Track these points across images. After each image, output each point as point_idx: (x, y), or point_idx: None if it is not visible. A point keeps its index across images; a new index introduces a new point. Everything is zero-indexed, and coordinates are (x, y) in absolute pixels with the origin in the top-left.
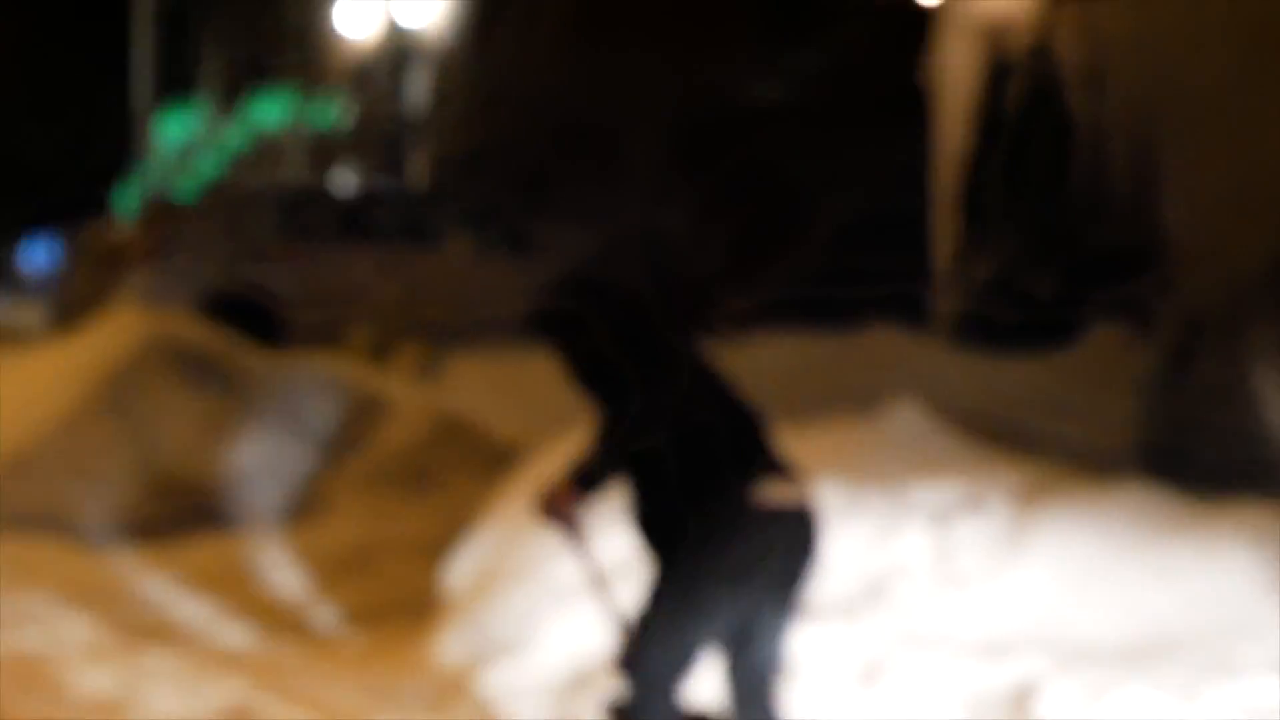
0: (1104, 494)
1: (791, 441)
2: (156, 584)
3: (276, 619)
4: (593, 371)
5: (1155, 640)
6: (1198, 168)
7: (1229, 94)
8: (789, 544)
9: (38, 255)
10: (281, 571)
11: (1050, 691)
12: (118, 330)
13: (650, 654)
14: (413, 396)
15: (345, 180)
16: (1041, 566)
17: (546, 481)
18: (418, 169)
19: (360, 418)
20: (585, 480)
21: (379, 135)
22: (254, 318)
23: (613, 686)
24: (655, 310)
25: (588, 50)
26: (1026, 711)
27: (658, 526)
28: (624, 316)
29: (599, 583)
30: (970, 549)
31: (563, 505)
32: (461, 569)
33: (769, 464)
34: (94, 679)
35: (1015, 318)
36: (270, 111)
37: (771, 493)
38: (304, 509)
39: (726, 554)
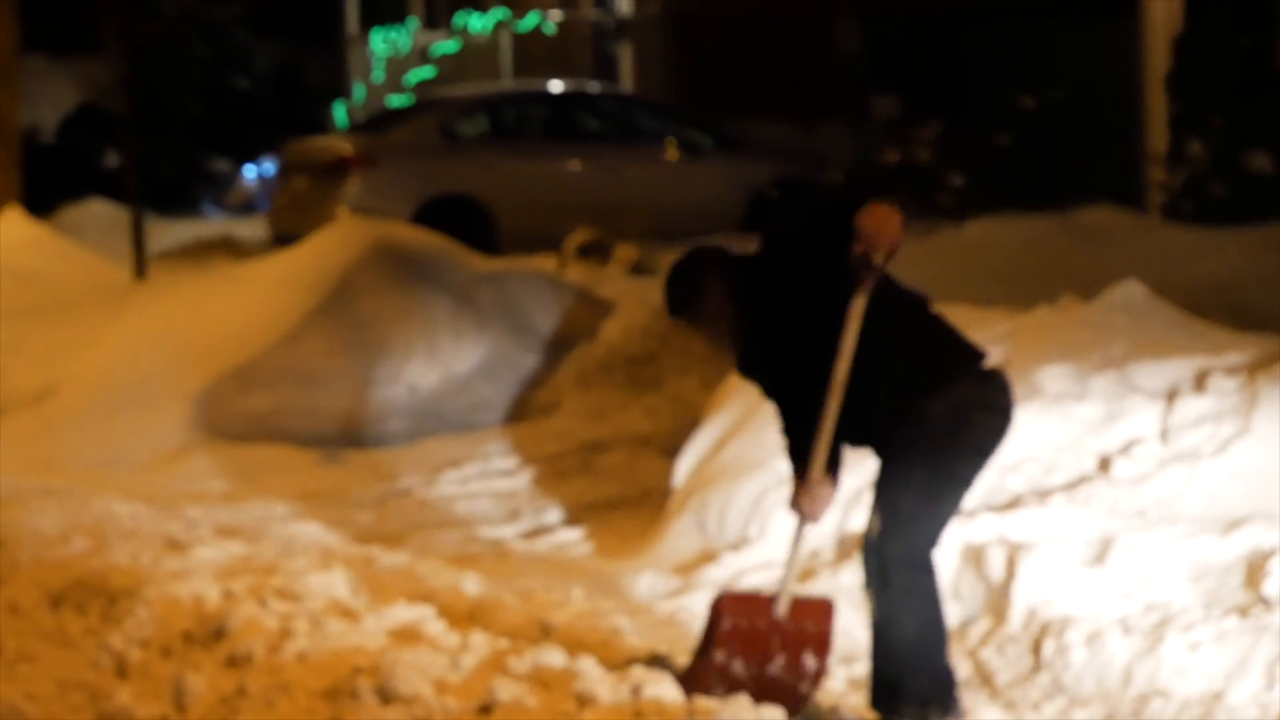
0: None
1: (1018, 323)
2: (385, 488)
3: (506, 519)
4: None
5: None
6: None
7: None
8: (1007, 407)
9: (262, 172)
10: (509, 471)
11: None
12: (338, 239)
13: (915, 535)
14: (631, 295)
15: (555, 85)
16: (1270, 440)
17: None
18: (627, 73)
19: (581, 317)
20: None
21: (587, 40)
22: (471, 221)
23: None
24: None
25: None
26: (1258, 585)
27: (879, 419)
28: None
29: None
30: (1197, 426)
31: (825, 498)
32: (688, 464)
33: (966, 340)
34: (326, 584)
35: (1230, 192)
36: (478, 22)
37: (986, 364)
38: (529, 409)
39: (966, 433)
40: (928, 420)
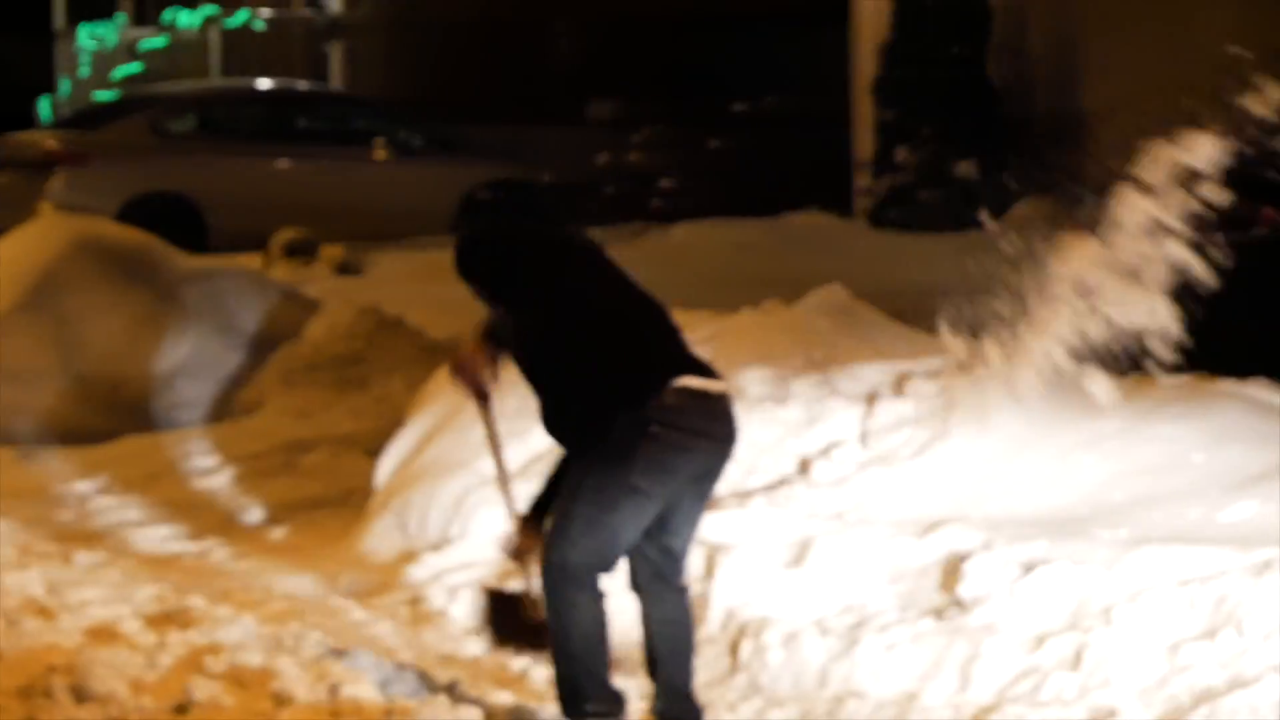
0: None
1: (721, 325)
2: (85, 487)
3: (207, 518)
4: (495, 258)
5: (1083, 512)
6: (1117, 54)
7: None
8: (706, 430)
9: None
10: (210, 470)
11: (977, 565)
12: (41, 234)
13: (575, 544)
14: (338, 294)
15: (264, 84)
16: (968, 443)
17: (456, 347)
18: (337, 72)
19: (286, 316)
20: (491, 339)
21: (298, 39)
22: (177, 220)
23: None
24: (552, 208)
25: None
26: (953, 587)
27: (570, 424)
28: (526, 213)
29: (498, 452)
30: (897, 429)
31: (471, 366)
32: (391, 464)
33: (680, 355)
34: (22, 582)
35: (938, 199)
36: (186, 18)
37: (687, 381)
38: (232, 408)
39: (645, 445)
40: (613, 431)
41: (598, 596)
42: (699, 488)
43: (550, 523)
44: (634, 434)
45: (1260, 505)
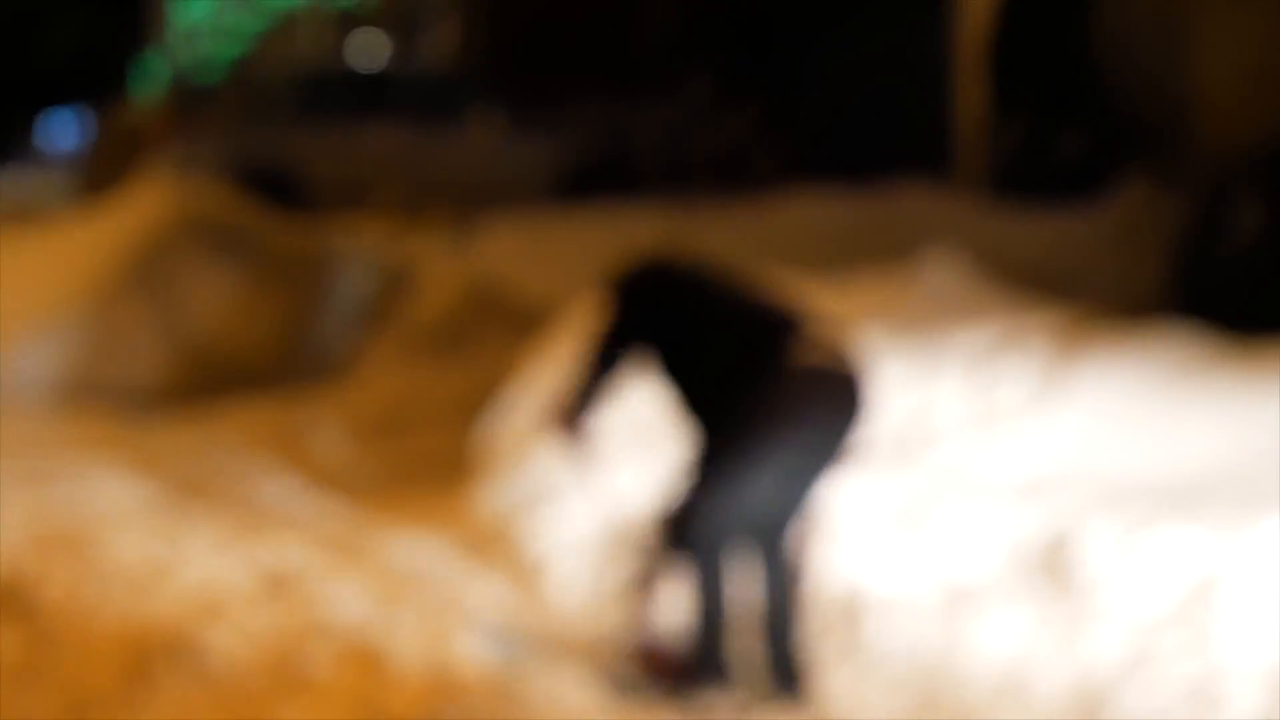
0: (1141, 335)
1: (832, 296)
2: (197, 449)
3: (315, 477)
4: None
5: (1195, 479)
6: (1224, 32)
7: None
8: (828, 403)
9: (57, 132)
10: (322, 434)
11: (1088, 531)
12: (146, 204)
13: (703, 518)
14: (443, 263)
15: (367, 58)
16: (1080, 406)
17: (552, 400)
18: (440, 48)
19: (393, 285)
20: (584, 398)
21: (402, 14)
22: (282, 191)
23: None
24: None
25: None
26: (1064, 551)
27: (700, 408)
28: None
29: (593, 488)
30: (1008, 390)
31: (568, 423)
32: (496, 427)
33: (797, 337)
34: (137, 543)
35: (1044, 174)
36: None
37: (805, 357)
38: (341, 374)
39: (769, 419)
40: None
41: (719, 565)
42: (819, 456)
43: (685, 501)
44: (757, 410)
45: None
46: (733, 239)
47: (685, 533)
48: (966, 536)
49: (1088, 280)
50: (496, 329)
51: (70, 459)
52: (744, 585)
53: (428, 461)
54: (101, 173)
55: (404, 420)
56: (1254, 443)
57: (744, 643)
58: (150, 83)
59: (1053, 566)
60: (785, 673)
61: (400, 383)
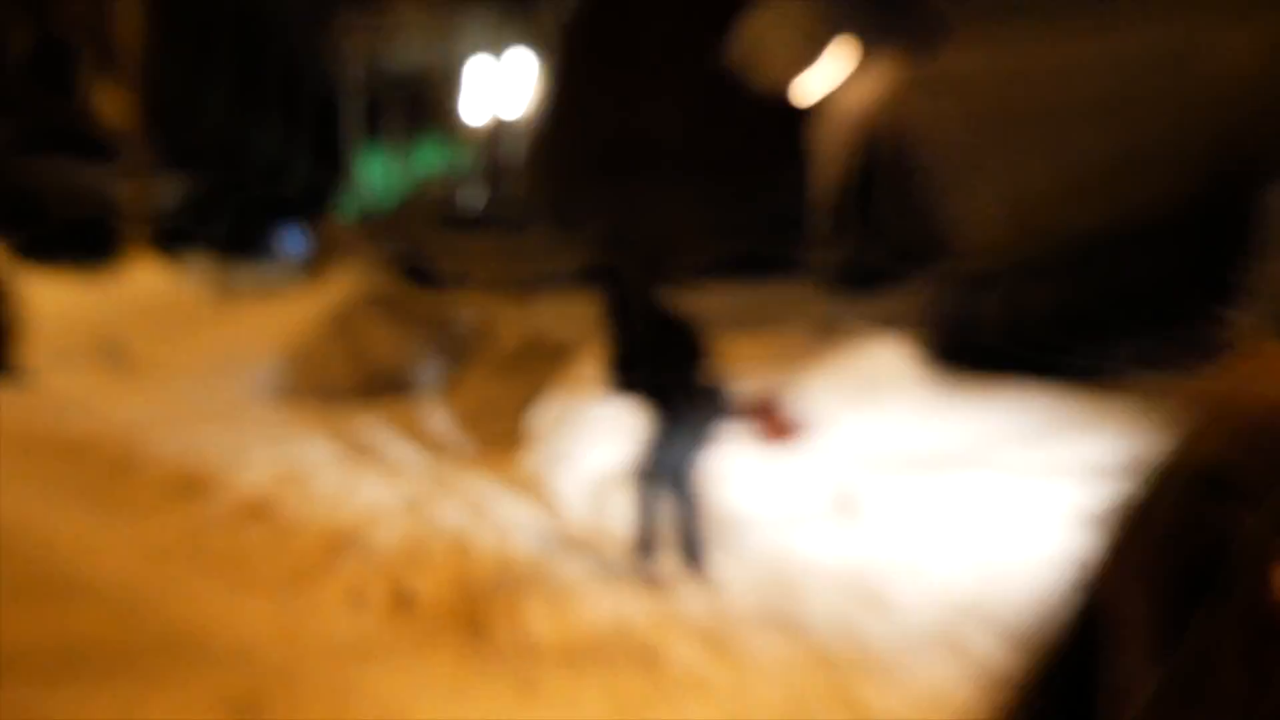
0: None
1: (741, 343)
2: (366, 426)
3: (436, 445)
4: (617, 306)
5: (939, 449)
6: (967, 197)
7: (986, 152)
8: (716, 403)
9: (290, 239)
10: (438, 418)
11: (868, 481)
12: (343, 285)
13: (659, 460)
14: (511, 319)
15: (473, 198)
16: (882, 410)
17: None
18: (514, 189)
19: (482, 332)
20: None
21: (490, 171)
22: (423, 276)
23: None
24: (646, 274)
25: (612, 96)
26: (853, 492)
27: (656, 399)
28: (631, 278)
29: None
30: (834, 397)
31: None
32: (538, 417)
33: (706, 364)
34: (329, 478)
35: (862, 274)
36: (428, 155)
37: (708, 378)
38: (451, 384)
39: (695, 409)
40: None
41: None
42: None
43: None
44: (688, 403)
45: (1077, 447)
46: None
47: (639, 477)
48: (800, 480)
49: (888, 335)
50: (540, 359)
51: (294, 430)
52: (669, 507)
53: (497, 438)
54: (317, 264)
55: (485, 413)
56: (971, 429)
57: (669, 537)
58: (347, 209)
59: (847, 501)
60: (691, 555)
61: (483, 390)
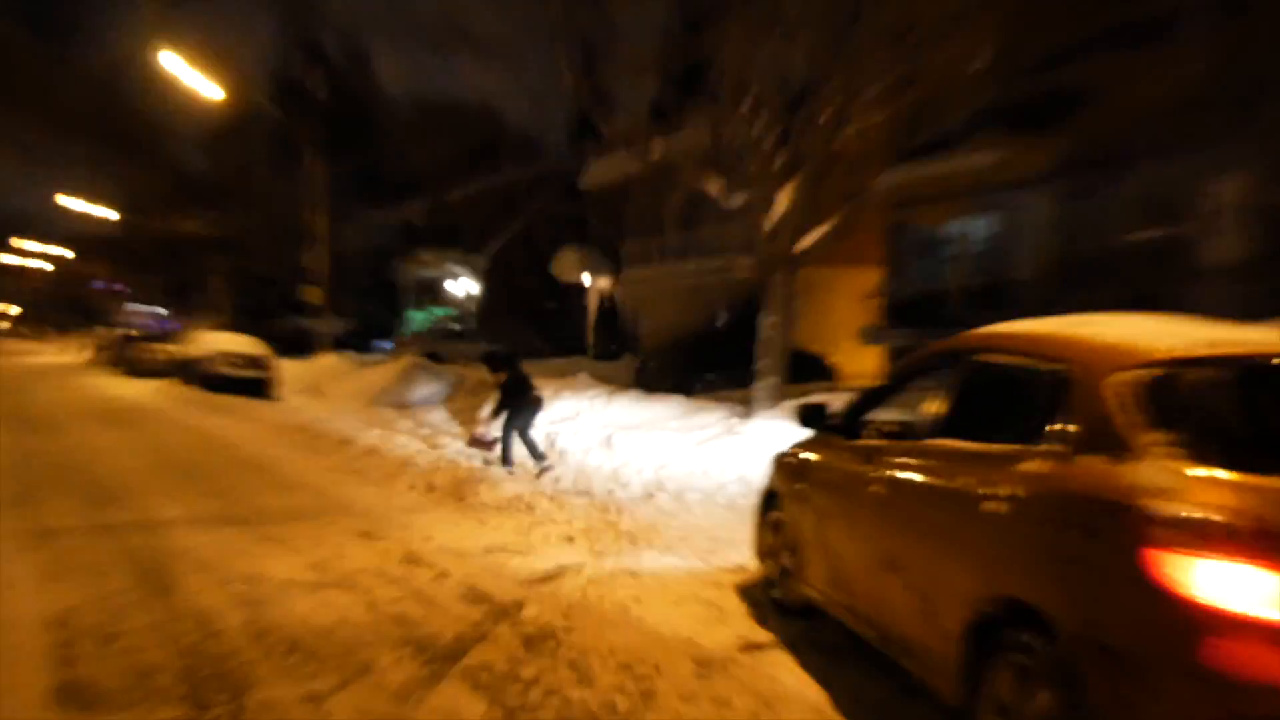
0: (629, 393)
1: (554, 381)
2: (416, 419)
3: (443, 426)
4: (509, 372)
5: (640, 423)
6: (649, 322)
7: (647, 307)
8: (537, 402)
9: (383, 344)
10: (443, 415)
11: (618, 433)
12: (402, 360)
13: (519, 425)
14: (472, 374)
15: (455, 324)
16: (616, 407)
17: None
18: (471, 323)
19: (461, 378)
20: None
21: (462, 316)
22: (441, 359)
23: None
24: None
25: (507, 285)
26: (612, 437)
27: (510, 406)
28: (508, 359)
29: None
30: (598, 402)
31: (478, 438)
32: (483, 414)
33: (532, 388)
34: (400, 439)
35: (610, 353)
36: (436, 310)
37: (532, 390)
38: (448, 401)
39: (528, 406)
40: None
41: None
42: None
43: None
44: (524, 404)
45: (696, 420)
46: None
47: (511, 431)
48: (591, 433)
49: (620, 379)
50: (484, 391)
51: (387, 419)
52: (524, 445)
53: (468, 422)
54: (394, 353)
55: (463, 413)
56: (655, 412)
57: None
58: (404, 332)
59: (608, 441)
60: (538, 457)
61: (462, 403)
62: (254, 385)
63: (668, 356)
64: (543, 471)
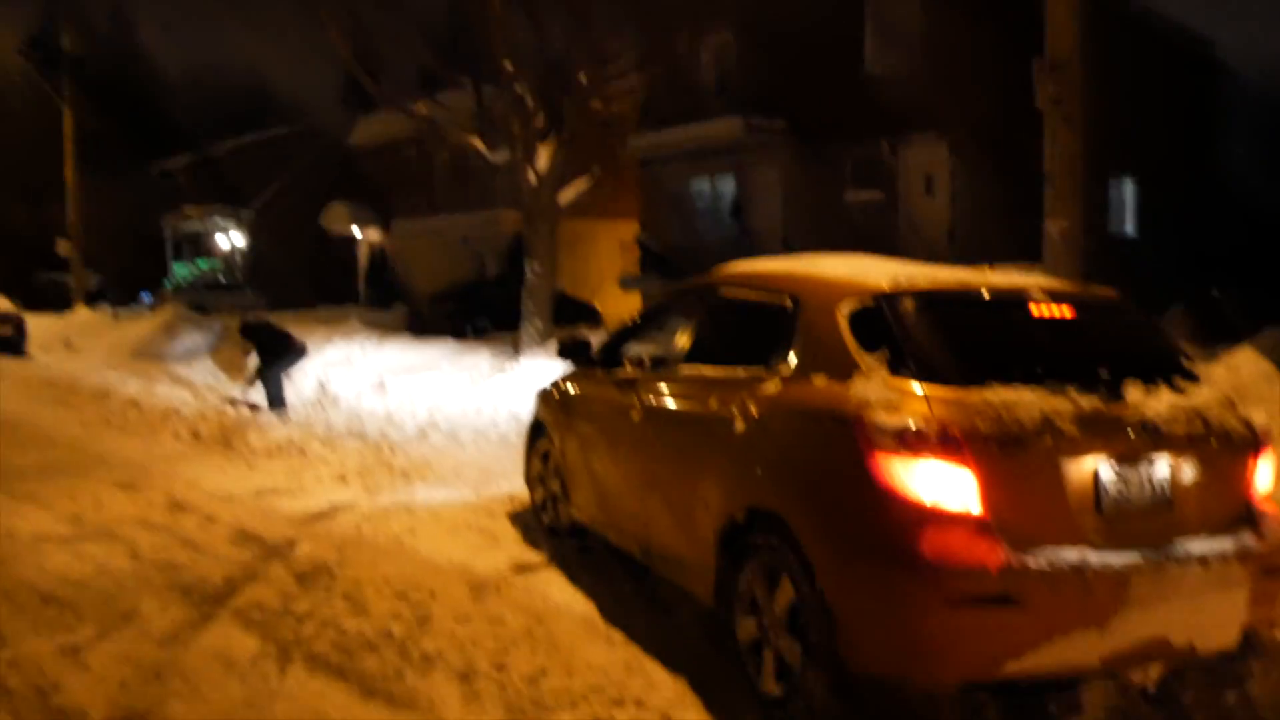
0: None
1: (319, 328)
2: (181, 369)
3: (207, 379)
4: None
5: (414, 365)
6: (420, 273)
7: (419, 259)
8: (300, 350)
9: (145, 297)
10: (208, 367)
11: (390, 375)
12: (164, 313)
13: (271, 375)
14: (233, 326)
15: (221, 277)
16: (387, 350)
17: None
18: (237, 276)
19: (226, 330)
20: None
21: (229, 269)
22: (204, 310)
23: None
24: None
25: (275, 239)
26: (383, 379)
27: (266, 354)
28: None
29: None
30: (369, 346)
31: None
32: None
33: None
34: (162, 390)
35: (381, 301)
36: (202, 263)
37: (296, 341)
38: (214, 351)
39: (288, 352)
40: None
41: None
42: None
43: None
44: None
45: (466, 360)
46: None
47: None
48: (363, 378)
49: (393, 326)
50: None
51: (148, 371)
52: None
53: (233, 373)
54: (157, 305)
55: (228, 363)
56: (427, 355)
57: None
58: (169, 285)
59: (381, 384)
60: (279, 405)
61: (227, 354)
62: (1, 343)
63: (440, 305)
64: (281, 419)
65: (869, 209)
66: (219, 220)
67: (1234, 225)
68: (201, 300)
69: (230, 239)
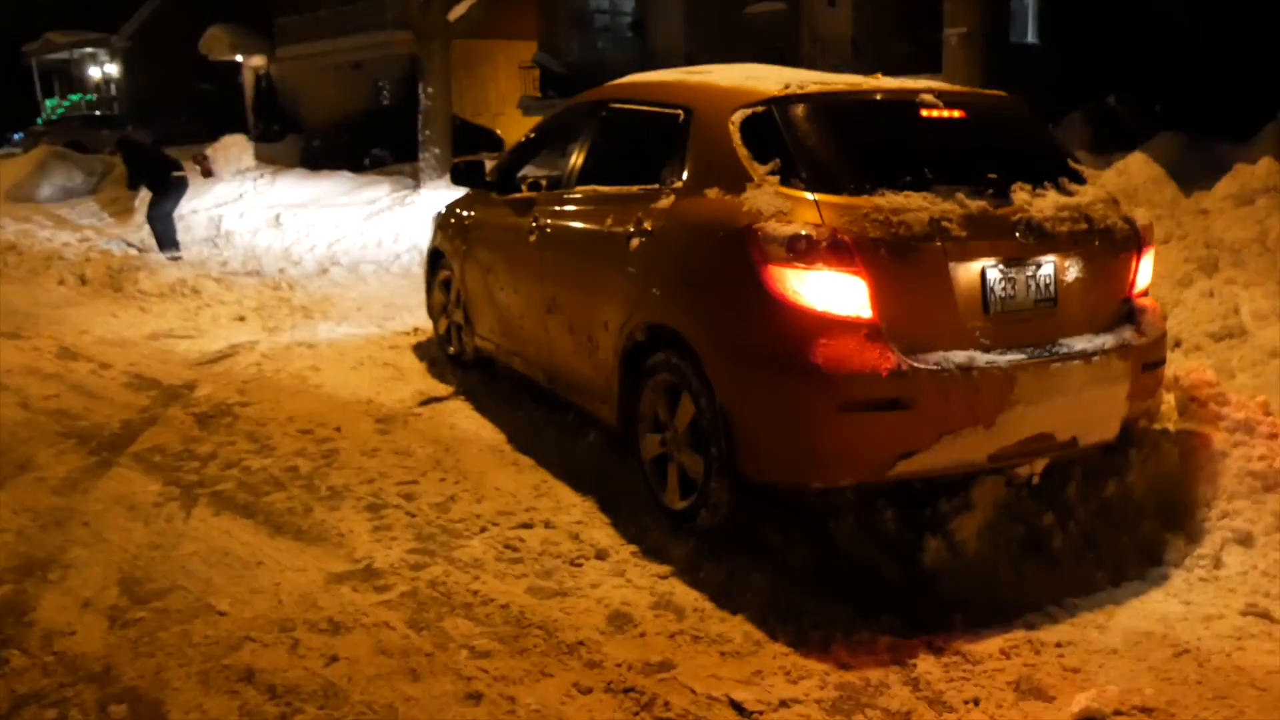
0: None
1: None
2: (61, 212)
3: (90, 219)
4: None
5: (314, 200)
6: (311, 101)
7: (308, 87)
8: (181, 183)
9: (15, 138)
10: (91, 207)
11: (289, 212)
12: (38, 152)
13: (157, 214)
14: (115, 161)
15: (95, 109)
16: (289, 184)
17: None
18: (112, 107)
19: (108, 167)
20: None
21: (105, 101)
22: (83, 148)
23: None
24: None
25: (157, 66)
26: (280, 218)
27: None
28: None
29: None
30: (264, 184)
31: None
32: (136, 202)
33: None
34: (44, 234)
35: (273, 135)
36: (76, 98)
37: (178, 174)
38: (98, 191)
39: (173, 188)
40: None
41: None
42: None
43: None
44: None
45: (364, 194)
46: None
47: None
48: (258, 213)
49: (285, 159)
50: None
51: (29, 215)
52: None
53: (119, 215)
54: (27, 143)
55: (113, 204)
56: (322, 189)
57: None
58: (43, 120)
59: (277, 220)
60: (170, 245)
61: (111, 193)
62: None
63: (334, 135)
64: (173, 260)
65: (772, 21)
66: (90, 49)
67: (1136, 33)
68: (78, 137)
69: (103, 70)
